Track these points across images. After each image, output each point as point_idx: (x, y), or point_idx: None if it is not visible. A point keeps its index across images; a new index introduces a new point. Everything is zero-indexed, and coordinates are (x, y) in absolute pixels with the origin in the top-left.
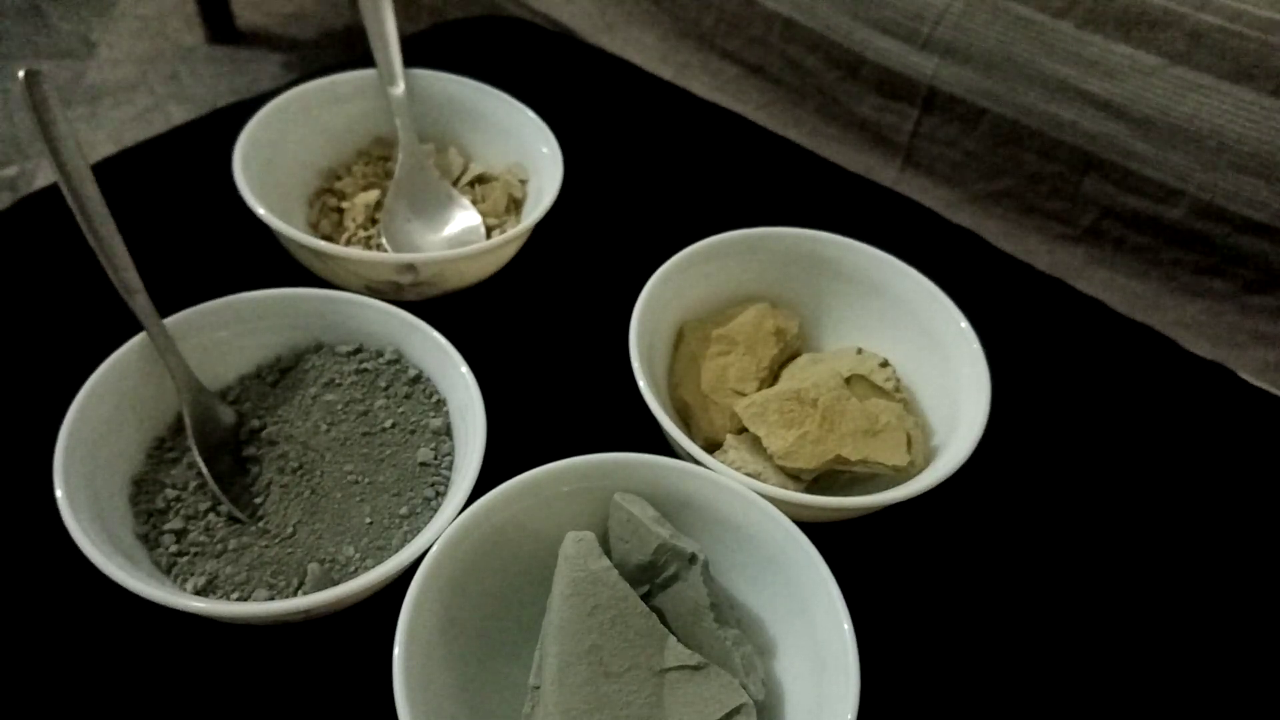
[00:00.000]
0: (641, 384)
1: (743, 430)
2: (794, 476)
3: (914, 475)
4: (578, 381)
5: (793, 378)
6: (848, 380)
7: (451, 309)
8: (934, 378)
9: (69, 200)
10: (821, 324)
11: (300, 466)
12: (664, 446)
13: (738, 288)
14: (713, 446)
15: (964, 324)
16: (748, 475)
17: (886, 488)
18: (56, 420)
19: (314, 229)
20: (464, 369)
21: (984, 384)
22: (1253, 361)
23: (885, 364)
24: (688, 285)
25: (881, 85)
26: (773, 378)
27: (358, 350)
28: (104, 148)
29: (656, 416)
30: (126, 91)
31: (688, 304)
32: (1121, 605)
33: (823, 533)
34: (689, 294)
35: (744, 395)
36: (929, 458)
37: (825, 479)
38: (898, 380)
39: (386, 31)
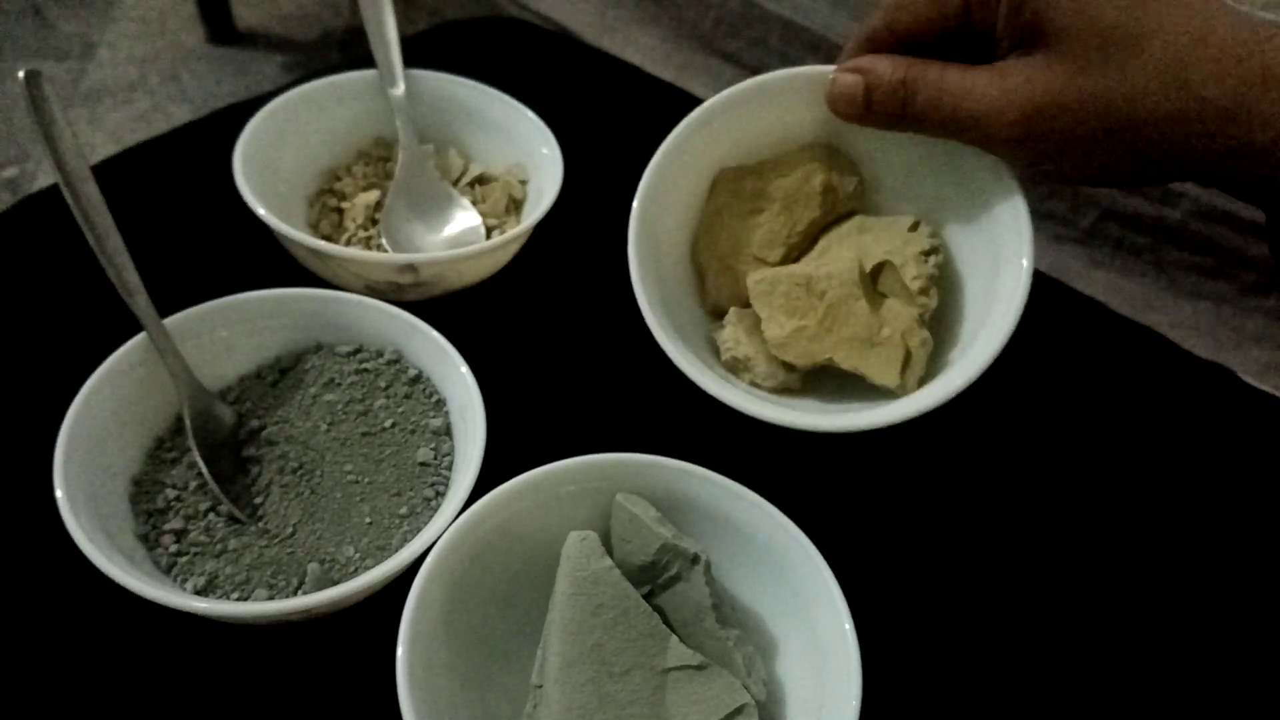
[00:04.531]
0: (633, 263)
1: (750, 304)
2: (786, 366)
3: (904, 396)
4: (578, 381)
5: (823, 254)
6: (877, 269)
7: (451, 309)
8: (980, 277)
9: (69, 200)
10: (884, 183)
11: (300, 466)
12: (666, 446)
13: (798, 132)
14: (719, 314)
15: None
16: (736, 359)
17: (880, 395)
18: (56, 420)
19: (314, 229)
20: (464, 369)
21: (1017, 303)
22: (1253, 362)
23: (933, 252)
24: (729, 131)
25: None
26: (807, 242)
27: (358, 350)
28: (104, 148)
29: (645, 317)
30: (126, 92)
31: (729, 150)
32: (1122, 607)
33: (823, 533)
34: (732, 139)
35: (765, 263)
36: (941, 370)
37: (820, 372)
38: (930, 278)
39: (386, 32)
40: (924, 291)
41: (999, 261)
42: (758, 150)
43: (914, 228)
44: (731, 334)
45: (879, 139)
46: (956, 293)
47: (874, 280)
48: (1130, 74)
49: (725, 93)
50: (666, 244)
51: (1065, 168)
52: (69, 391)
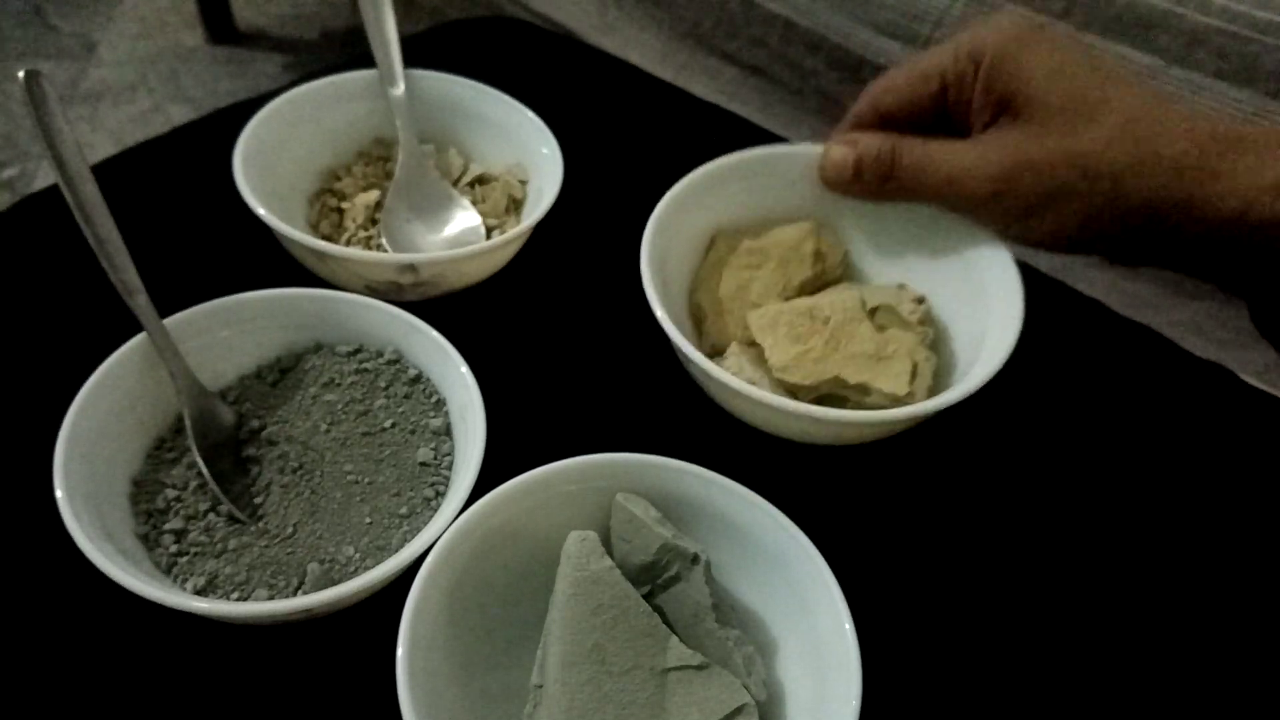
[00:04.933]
0: (647, 277)
1: (752, 343)
2: (791, 394)
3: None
4: (578, 381)
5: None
6: (875, 309)
7: (451, 309)
8: (969, 324)
9: (69, 200)
10: (867, 257)
11: (300, 466)
12: (666, 446)
13: (788, 205)
14: (718, 354)
15: (1013, 272)
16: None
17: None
18: (56, 420)
19: (314, 229)
20: (464, 369)
21: (1012, 327)
22: (1253, 362)
23: (921, 300)
24: (727, 195)
25: None
26: (800, 297)
27: (358, 350)
28: (104, 148)
29: (657, 317)
30: (127, 92)
31: (726, 213)
32: (1122, 607)
33: (823, 533)
34: (729, 204)
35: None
36: (938, 392)
37: (824, 405)
38: (925, 314)
39: (386, 32)
40: (922, 322)
41: (988, 311)
42: (753, 216)
43: (901, 288)
44: (735, 363)
45: (863, 218)
46: (947, 353)
47: (871, 318)
48: (1093, 132)
49: (714, 162)
50: (668, 293)
51: (1037, 227)
52: (69, 391)
